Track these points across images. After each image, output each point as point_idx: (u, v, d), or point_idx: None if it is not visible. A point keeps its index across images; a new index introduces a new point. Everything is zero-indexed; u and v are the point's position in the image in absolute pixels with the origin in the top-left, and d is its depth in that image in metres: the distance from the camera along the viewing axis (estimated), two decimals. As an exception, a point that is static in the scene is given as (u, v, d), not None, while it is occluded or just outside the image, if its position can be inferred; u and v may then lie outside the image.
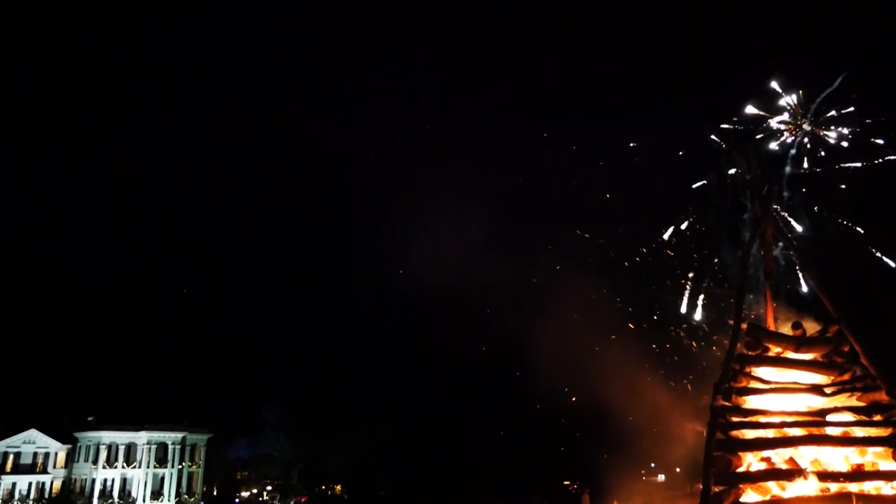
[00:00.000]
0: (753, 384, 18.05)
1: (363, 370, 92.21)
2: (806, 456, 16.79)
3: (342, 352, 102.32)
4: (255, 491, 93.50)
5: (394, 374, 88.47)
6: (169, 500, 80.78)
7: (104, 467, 78.46)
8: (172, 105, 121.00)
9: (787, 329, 19.63)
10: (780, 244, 20.81)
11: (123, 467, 79.45)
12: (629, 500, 33.80)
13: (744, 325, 18.89)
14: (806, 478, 15.89)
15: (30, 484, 76.15)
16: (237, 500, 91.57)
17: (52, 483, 77.86)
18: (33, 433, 76.94)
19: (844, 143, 21.94)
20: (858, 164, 22.09)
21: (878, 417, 16.93)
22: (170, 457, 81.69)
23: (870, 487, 16.18)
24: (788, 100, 22.35)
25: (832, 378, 18.05)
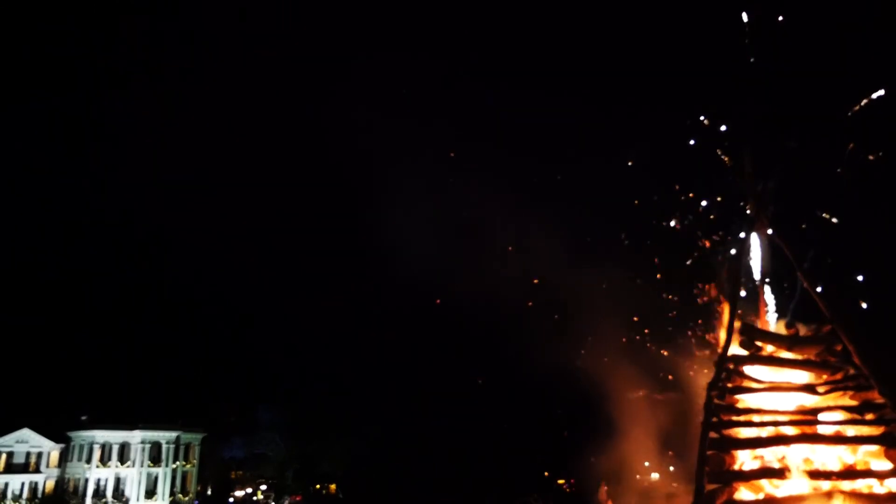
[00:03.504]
0: (747, 383, 18.16)
1: (359, 370, 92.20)
2: (798, 454, 16.90)
3: (338, 352, 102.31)
4: (249, 490, 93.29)
5: (389, 374, 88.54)
6: (163, 500, 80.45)
7: (98, 467, 77.95)
8: (170, 104, 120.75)
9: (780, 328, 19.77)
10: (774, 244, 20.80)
11: (117, 466, 79.05)
12: (628, 499, 34.01)
13: (737, 324, 19.01)
14: (790, 471, 16.04)
15: (22, 483, 75.56)
16: (231, 500, 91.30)
17: (45, 482, 77.31)
18: (26, 432, 76.42)
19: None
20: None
21: (870, 416, 17.04)
22: (164, 456, 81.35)
23: (862, 486, 16.28)
24: None
25: (825, 377, 18.15)
